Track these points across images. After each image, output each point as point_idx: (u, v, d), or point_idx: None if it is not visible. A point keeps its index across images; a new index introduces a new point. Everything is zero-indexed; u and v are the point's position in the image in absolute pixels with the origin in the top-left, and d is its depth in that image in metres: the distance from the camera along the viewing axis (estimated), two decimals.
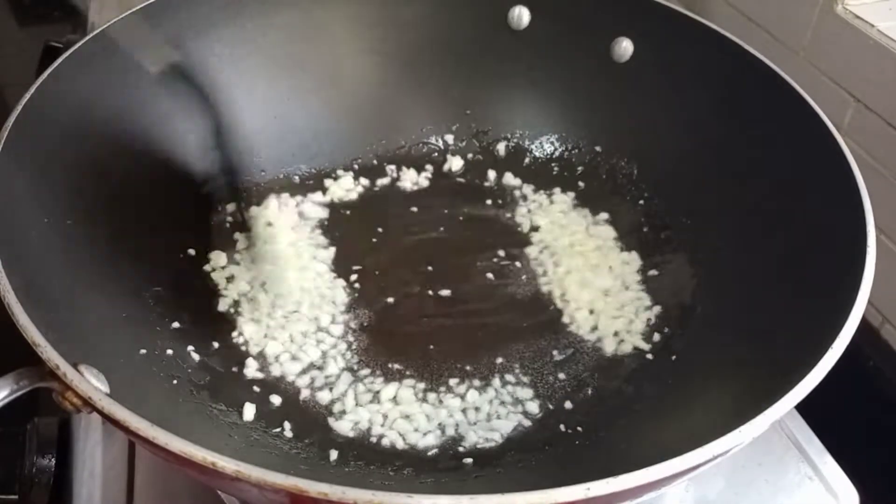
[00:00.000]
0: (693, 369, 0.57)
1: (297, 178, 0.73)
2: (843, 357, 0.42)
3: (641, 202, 0.70)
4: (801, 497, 0.56)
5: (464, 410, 0.57)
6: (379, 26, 0.74)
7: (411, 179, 0.74)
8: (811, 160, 0.56)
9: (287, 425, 0.54)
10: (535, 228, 0.70)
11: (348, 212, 0.71)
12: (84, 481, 0.56)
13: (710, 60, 0.65)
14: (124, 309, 0.55)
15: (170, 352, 0.56)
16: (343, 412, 0.56)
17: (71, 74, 0.59)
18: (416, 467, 0.53)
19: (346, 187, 0.73)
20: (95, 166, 0.59)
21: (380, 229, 0.70)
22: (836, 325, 0.43)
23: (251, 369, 0.58)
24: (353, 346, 0.61)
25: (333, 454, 0.53)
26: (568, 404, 0.57)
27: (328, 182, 0.73)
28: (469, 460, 0.53)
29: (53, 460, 0.56)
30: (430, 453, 0.54)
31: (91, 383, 0.39)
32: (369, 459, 0.53)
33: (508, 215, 0.72)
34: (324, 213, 0.71)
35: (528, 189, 0.74)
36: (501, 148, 0.76)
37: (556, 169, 0.75)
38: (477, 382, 0.58)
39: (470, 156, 0.76)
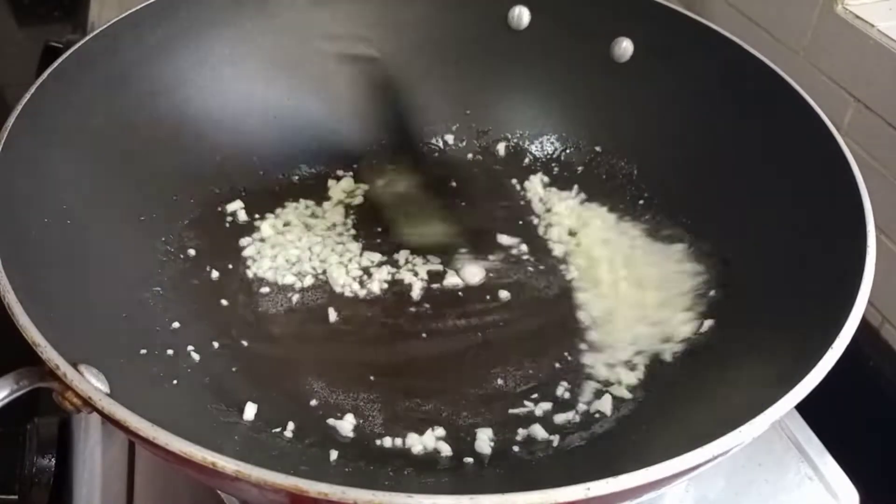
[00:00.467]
0: (693, 369, 0.57)
1: (297, 178, 0.73)
2: (843, 357, 0.42)
3: (641, 202, 0.70)
4: (801, 497, 0.56)
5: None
6: (379, 26, 0.74)
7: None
8: (811, 160, 0.56)
9: (287, 425, 0.54)
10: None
11: (349, 212, 0.71)
12: (84, 481, 0.56)
13: (710, 60, 0.65)
14: (124, 309, 0.56)
15: (170, 352, 0.56)
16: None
17: (71, 74, 0.59)
18: (416, 467, 0.53)
19: (346, 188, 0.73)
20: (95, 166, 0.59)
21: (379, 229, 0.70)
22: (836, 325, 0.43)
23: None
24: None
25: (333, 454, 0.53)
26: (568, 405, 0.57)
27: (329, 182, 0.73)
28: (469, 460, 0.53)
29: (53, 460, 0.56)
30: (430, 453, 0.54)
31: (91, 383, 0.39)
32: (369, 459, 0.53)
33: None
34: (324, 214, 0.71)
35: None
36: (501, 148, 0.76)
37: (556, 169, 0.75)
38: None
39: (470, 156, 0.76)
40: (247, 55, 0.71)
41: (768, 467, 0.57)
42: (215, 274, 0.64)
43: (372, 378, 0.58)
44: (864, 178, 0.51)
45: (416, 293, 0.64)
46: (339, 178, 0.73)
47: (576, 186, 0.72)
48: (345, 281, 0.65)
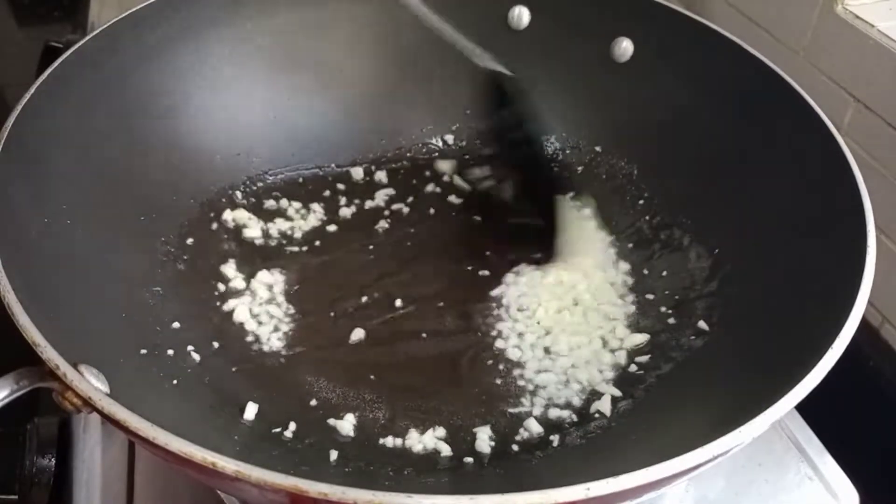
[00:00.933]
0: (692, 370, 0.57)
1: (297, 178, 0.73)
2: (843, 357, 0.42)
3: (641, 202, 0.70)
4: (801, 497, 0.56)
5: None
6: (379, 26, 0.74)
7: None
8: (811, 160, 0.56)
9: (288, 425, 0.54)
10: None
11: (349, 213, 0.71)
12: (84, 481, 0.56)
13: (710, 60, 0.65)
14: (124, 309, 0.56)
15: (170, 352, 0.56)
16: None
17: (71, 74, 0.59)
18: (416, 467, 0.53)
19: (347, 189, 0.73)
20: (95, 166, 0.59)
21: (380, 230, 0.70)
22: (836, 325, 0.43)
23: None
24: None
25: (333, 454, 0.53)
26: (567, 407, 0.57)
27: (330, 183, 0.73)
28: (469, 460, 0.53)
29: (53, 460, 0.56)
30: (430, 453, 0.54)
31: (91, 383, 0.39)
32: (369, 460, 0.53)
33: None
34: (324, 215, 0.71)
35: None
36: None
37: (556, 169, 0.75)
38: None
39: (469, 156, 0.76)
40: (247, 55, 0.71)
41: (768, 467, 0.57)
42: (215, 274, 0.64)
43: (372, 378, 0.58)
44: (864, 178, 0.51)
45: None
46: (340, 179, 0.73)
47: None
48: None
